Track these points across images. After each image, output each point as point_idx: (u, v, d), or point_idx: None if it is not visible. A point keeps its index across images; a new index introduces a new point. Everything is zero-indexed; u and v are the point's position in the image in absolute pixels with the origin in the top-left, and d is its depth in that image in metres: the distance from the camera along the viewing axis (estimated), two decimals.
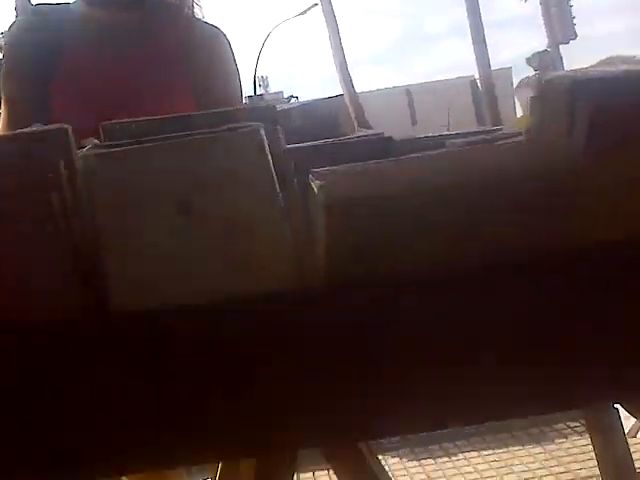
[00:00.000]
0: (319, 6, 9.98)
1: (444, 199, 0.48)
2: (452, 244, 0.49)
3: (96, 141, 0.57)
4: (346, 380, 0.50)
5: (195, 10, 1.27)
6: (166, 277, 0.50)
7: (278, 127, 0.60)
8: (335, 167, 0.50)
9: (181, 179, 0.51)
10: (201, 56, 1.21)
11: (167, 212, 0.50)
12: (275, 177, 0.51)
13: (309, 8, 10.87)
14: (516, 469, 2.52)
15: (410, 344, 0.50)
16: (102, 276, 0.48)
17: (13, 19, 1.22)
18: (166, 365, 0.50)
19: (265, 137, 0.52)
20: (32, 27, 1.20)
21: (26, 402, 0.49)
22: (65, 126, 0.50)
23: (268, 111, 0.60)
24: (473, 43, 10.09)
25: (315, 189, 0.47)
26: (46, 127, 0.50)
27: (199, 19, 1.29)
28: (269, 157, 0.51)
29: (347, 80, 9.71)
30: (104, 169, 0.50)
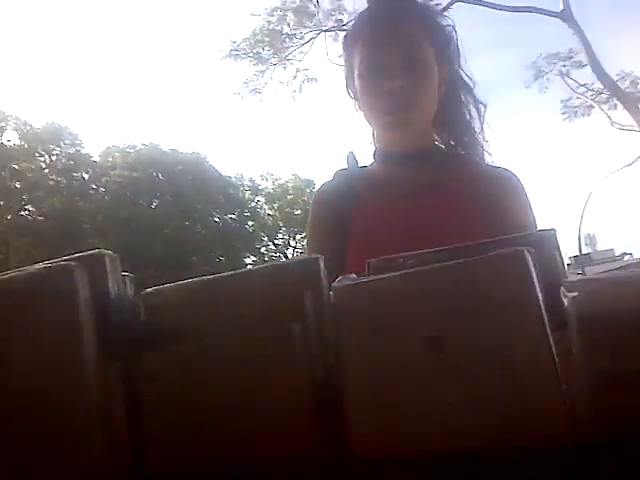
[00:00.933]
0: None
1: None
2: None
3: (354, 275, 0.55)
4: None
5: (485, 157, 1.26)
6: (412, 420, 0.44)
7: (557, 253, 0.52)
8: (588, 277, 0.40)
9: (432, 310, 0.45)
10: (490, 193, 1.17)
11: (416, 347, 0.45)
12: (542, 308, 0.43)
13: (636, 159, 10.30)
14: None
15: None
16: (340, 413, 0.44)
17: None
18: None
19: (531, 262, 0.45)
20: (332, 188, 1.32)
21: None
22: (316, 256, 0.49)
23: (548, 236, 0.52)
24: None
25: (566, 302, 0.38)
26: (297, 258, 0.49)
27: (489, 164, 1.27)
28: (534, 283, 0.44)
29: None
30: (352, 300, 0.48)
